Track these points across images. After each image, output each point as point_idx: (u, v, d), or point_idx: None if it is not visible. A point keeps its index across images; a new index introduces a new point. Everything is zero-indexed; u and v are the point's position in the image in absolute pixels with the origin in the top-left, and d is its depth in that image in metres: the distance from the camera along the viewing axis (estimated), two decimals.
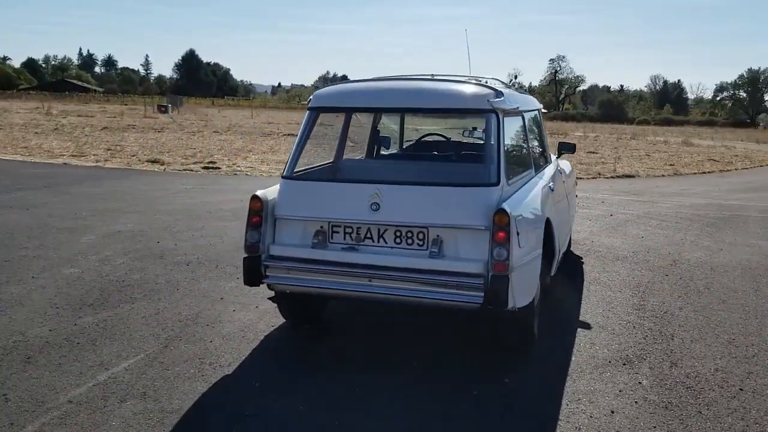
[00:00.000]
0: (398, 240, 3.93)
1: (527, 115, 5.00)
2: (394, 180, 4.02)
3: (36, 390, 3.68)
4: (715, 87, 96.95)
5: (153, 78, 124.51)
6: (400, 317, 5.09)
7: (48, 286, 5.60)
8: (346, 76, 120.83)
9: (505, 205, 3.70)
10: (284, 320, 4.84)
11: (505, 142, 4.17)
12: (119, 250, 6.89)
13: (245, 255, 4.08)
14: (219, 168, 15.17)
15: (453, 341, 4.65)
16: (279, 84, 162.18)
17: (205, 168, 15.10)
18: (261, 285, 4.13)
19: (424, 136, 6.64)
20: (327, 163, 5.10)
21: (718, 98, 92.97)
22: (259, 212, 4.06)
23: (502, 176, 3.94)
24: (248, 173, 14.60)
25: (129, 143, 20.66)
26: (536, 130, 5.61)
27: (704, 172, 19.04)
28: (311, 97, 4.52)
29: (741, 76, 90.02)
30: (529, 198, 4.18)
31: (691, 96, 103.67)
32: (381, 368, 4.12)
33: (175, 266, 6.34)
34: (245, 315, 5.02)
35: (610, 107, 79.92)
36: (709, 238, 8.49)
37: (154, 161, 15.80)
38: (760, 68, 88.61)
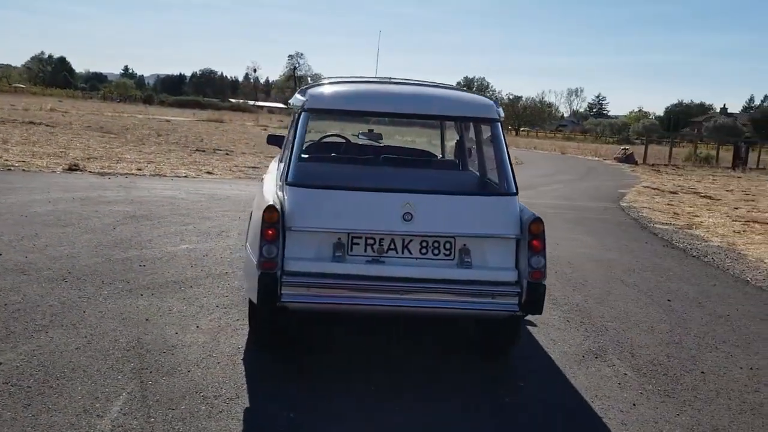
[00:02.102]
0: (424, 251, 3.83)
1: None
2: (424, 189, 3.90)
3: None
4: None
5: None
6: (359, 326, 4.93)
7: None
8: (65, 59, 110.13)
9: (537, 214, 3.82)
10: (240, 338, 4.44)
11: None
12: None
13: (260, 272, 3.65)
14: None
15: (435, 350, 4.65)
16: None
17: None
18: (277, 305, 3.72)
19: (325, 137, 6.45)
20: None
21: None
22: (275, 224, 3.66)
23: (517, 185, 4.05)
24: (25, 168, 12.69)
25: None
26: None
27: None
28: (305, 98, 4.15)
29: (459, 83, 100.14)
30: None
31: None
32: (391, 384, 3.98)
33: (52, 283, 5.38)
34: (195, 337, 4.48)
35: None
36: None
37: None
38: (474, 77, 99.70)
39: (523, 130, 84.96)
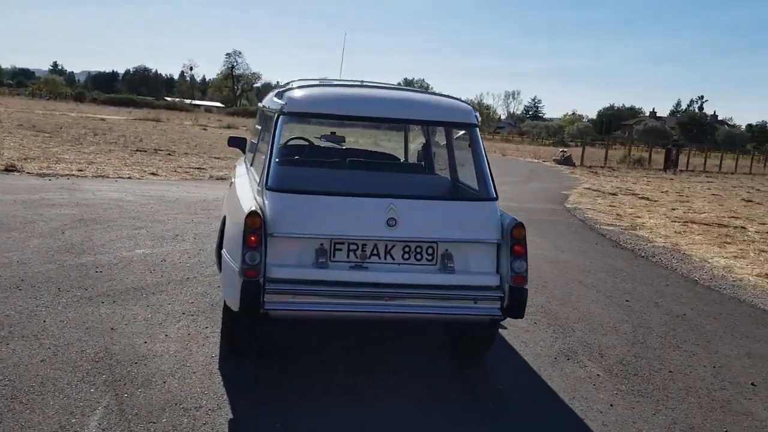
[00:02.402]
0: (407, 256, 3.81)
1: None
2: (408, 194, 3.88)
3: None
4: None
5: None
6: (333, 331, 4.88)
7: None
8: None
9: (519, 219, 3.85)
10: (212, 346, 4.34)
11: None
12: None
13: (243, 279, 3.56)
14: None
15: (410, 353, 4.64)
16: None
17: None
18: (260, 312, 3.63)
19: (290, 140, 6.37)
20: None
21: None
22: (257, 230, 3.58)
23: (497, 190, 4.08)
24: None
25: None
26: None
27: None
28: (284, 101, 4.06)
29: (399, 84, 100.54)
30: None
31: None
32: (374, 390, 3.95)
33: (6, 292, 5.13)
34: (166, 346, 4.34)
35: None
36: None
37: None
38: (414, 78, 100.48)
39: None
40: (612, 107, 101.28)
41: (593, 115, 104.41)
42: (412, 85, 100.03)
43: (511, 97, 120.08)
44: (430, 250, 3.83)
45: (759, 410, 4.04)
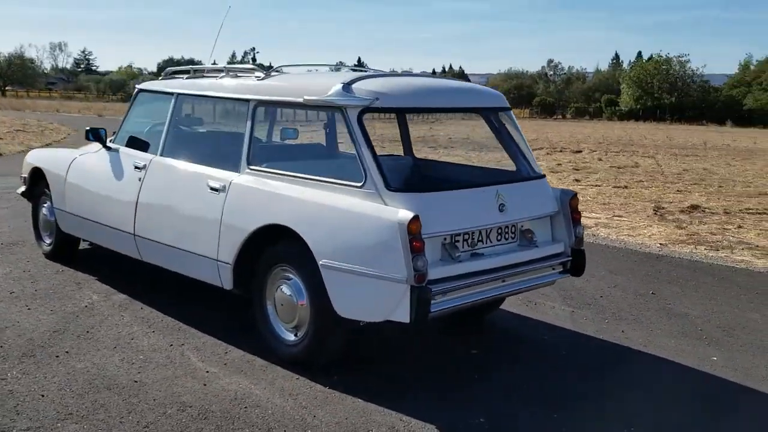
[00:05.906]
0: (499, 238, 4.06)
1: None
2: (506, 179, 4.09)
3: None
4: None
5: None
6: None
7: None
8: None
9: (572, 190, 4.43)
10: (274, 368, 3.95)
11: None
12: None
13: (414, 286, 3.41)
14: None
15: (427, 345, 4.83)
16: None
17: None
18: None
19: None
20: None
21: None
22: (419, 235, 3.44)
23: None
24: None
25: None
26: None
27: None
28: (370, 96, 3.74)
29: None
30: None
31: None
32: (434, 381, 4.16)
33: None
34: (234, 382, 3.76)
35: None
36: None
37: None
38: None
39: (9, 90, 75.75)
40: (172, 59, 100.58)
41: (152, 67, 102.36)
42: None
43: (58, 49, 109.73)
44: (513, 229, 4.15)
45: (687, 311, 5.38)
